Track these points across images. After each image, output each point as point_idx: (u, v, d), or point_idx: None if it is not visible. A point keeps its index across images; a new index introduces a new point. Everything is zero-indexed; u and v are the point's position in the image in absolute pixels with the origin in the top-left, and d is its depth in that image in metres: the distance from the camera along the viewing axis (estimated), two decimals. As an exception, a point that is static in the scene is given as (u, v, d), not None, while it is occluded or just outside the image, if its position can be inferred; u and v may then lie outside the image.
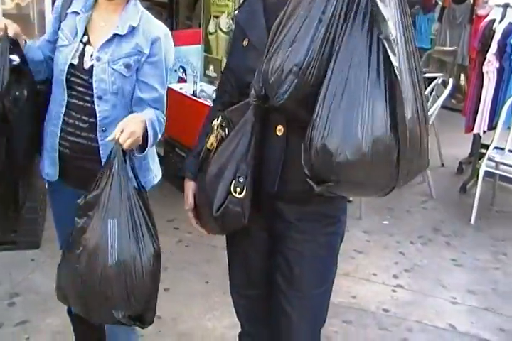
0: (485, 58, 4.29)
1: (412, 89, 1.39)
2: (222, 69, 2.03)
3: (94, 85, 1.95)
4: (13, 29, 1.87)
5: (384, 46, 1.33)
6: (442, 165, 4.91)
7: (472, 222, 3.89)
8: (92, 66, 1.96)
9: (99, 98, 1.96)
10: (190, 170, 1.82)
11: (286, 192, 1.64)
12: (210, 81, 4.14)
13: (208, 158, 1.73)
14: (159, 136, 2.02)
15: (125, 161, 1.82)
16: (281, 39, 1.43)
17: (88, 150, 1.98)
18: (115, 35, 1.97)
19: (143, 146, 1.92)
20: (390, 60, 1.33)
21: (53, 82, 2.03)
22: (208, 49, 4.18)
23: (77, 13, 2.01)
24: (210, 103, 3.56)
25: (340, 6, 1.38)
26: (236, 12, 1.90)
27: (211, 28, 4.14)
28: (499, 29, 4.30)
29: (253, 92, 1.49)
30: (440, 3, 6.27)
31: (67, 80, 1.98)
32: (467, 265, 3.36)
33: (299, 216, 1.67)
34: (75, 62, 1.97)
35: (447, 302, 2.96)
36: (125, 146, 1.79)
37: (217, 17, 4.07)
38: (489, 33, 4.36)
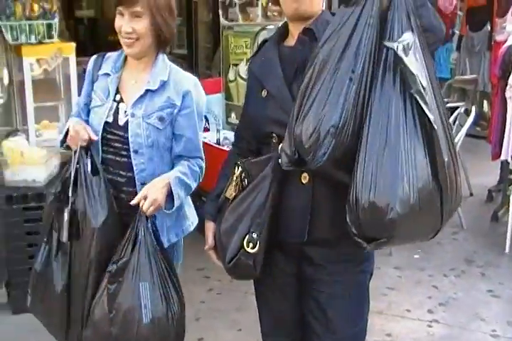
0: (507, 84, 4.30)
1: (444, 133, 1.43)
2: (239, 119, 2.10)
3: (130, 140, 2.02)
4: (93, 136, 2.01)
5: (416, 99, 1.36)
6: (471, 194, 4.87)
7: (507, 250, 3.85)
8: (126, 122, 2.04)
9: (135, 152, 2.02)
10: (210, 212, 1.89)
11: (314, 239, 1.66)
12: (233, 128, 4.21)
13: (225, 206, 1.78)
14: (194, 185, 2.11)
15: (149, 226, 1.93)
16: (311, 101, 1.44)
17: (128, 203, 1.99)
18: (147, 90, 2.05)
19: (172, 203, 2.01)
20: (423, 111, 1.37)
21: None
22: (228, 97, 4.30)
23: (107, 74, 2.11)
24: (234, 150, 3.65)
25: (368, 63, 1.40)
26: (250, 61, 1.94)
27: (231, 76, 4.26)
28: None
29: (285, 157, 1.51)
30: (457, 32, 6.29)
31: (103, 138, 2.06)
32: (505, 296, 3.31)
33: (328, 258, 1.69)
34: (110, 120, 2.05)
35: (487, 335, 2.91)
36: (148, 214, 1.92)
37: (236, 65, 4.19)
38: (509, 58, 4.36)
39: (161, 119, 2.04)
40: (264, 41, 1.88)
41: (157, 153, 2.06)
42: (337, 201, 1.54)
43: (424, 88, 1.36)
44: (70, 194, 1.96)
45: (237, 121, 4.10)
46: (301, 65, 1.66)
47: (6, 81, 3.58)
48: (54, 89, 3.99)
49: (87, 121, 2.12)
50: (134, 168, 2.03)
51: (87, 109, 2.14)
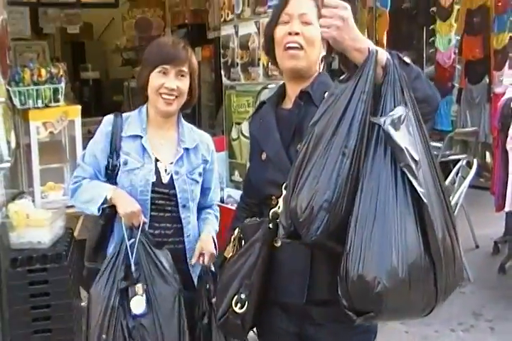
0: (507, 136, 4.34)
1: (441, 208, 1.42)
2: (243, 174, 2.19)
3: (179, 196, 2.15)
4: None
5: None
6: (476, 246, 4.83)
7: (516, 303, 3.78)
8: (169, 180, 2.15)
9: (184, 206, 2.17)
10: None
11: (313, 300, 1.67)
12: (237, 186, 4.28)
13: (223, 265, 1.84)
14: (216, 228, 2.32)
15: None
16: (306, 175, 1.46)
17: (176, 252, 2.13)
18: (185, 149, 2.20)
19: None
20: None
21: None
22: (232, 155, 4.38)
23: (138, 136, 2.17)
24: (237, 208, 3.68)
25: (361, 138, 1.42)
26: (249, 121, 1.99)
27: (234, 134, 4.34)
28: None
29: (282, 229, 1.52)
30: (457, 85, 6.39)
31: (150, 197, 2.14)
32: (516, 350, 3.24)
33: (329, 318, 1.68)
34: (153, 179, 2.14)
35: None
36: (208, 266, 2.12)
37: (239, 123, 4.30)
38: (508, 111, 4.44)
39: (200, 174, 2.22)
40: (263, 103, 1.92)
41: (195, 206, 2.23)
42: (335, 263, 1.52)
43: (416, 161, 1.37)
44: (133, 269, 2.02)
45: (241, 179, 4.20)
46: (298, 128, 1.72)
47: (13, 144, 3.65)
48: (59, 150, 4.06)
49: (108, 182, 2.15)
50: (183, 221, 2.17)
51: (108, 171, 2.17)
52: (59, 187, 3.82)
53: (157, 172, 2.14)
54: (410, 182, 1.37)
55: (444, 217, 1.42)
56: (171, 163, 2.17)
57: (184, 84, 2.12)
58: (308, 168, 1.46)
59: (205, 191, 2.29)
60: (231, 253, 1.82)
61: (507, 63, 6.05)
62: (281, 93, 1.86)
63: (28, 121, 3.76)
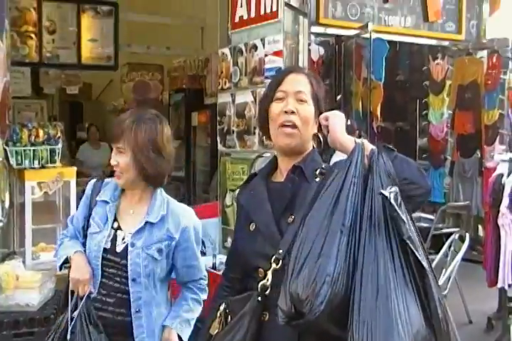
0: (498, 211, 4.37)
1: (435, 281, 1.49)
2: (229, 248, 2.14)
3: (129, 268, 2.11)
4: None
5: (404, 246, 1.46)
6: (470, 321, 4.73)
7: (510, 382, 3.68)
8: (124, 249, 2.13)
9: (134, 280, 2.11)
10: None
11: None
12: (229, 253, 4.23)
13: None
14: (199, 311, 2.31)
15: None
16: (305, 255, 1.50)
17: (114, 323, 2.12)
18: (147, 222, 2.15)
19: None
20: (411, 259, 1.45)
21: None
22: (225, 221, 4.37)
23: (106, 202, 2.21)
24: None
25: (355, 217, 1.50)
26: (238, 191, 2.01)
27: (228, 201, 4.34)
28: (508, 183, 4.43)
29: (281, 313, 1.52)
30: (449, 157, 6.49)
31: (101, 263, 2.14)
32: None
33: None
34: (108, 246, 2.14)
35: None
36: None
37: (233, 190, 4.30)
38: (499, 187, 4.48)
39: (159, 251, 2.14)
40: (254, 174, 1.95)
41: (151, 283, 2.14)
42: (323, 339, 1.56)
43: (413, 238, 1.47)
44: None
45: (233, 246, 4.17)
46: (290, 202, 1.76)
47: (7, 204, 3.64)
48: (53, 211, 4.06)
49: (83, 244, 2.20)
50: (131, 296, 2.12)
51: (84, 232, 2.22)
52: (51, 248, 3.78)
53: (114, 240, 2.15)
54: (408, 257, 1.46)
55: (437, 290, 1.49)
56: (130, 234, 2.16)
57: (122, 160, 2.13)
58: (307, 248, 1.51)
59: (184, 269, 2.25)
60: (217, 330, 1.81)
61: (497, 139, 6.17)
62: (272, 166, 1.89)
63: (23, 180, 3.79)
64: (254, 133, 4.12)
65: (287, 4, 4.03)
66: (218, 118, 4.59)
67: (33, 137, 3.91)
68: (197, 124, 6.60)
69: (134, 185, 2.20)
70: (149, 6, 7.54)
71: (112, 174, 2.25)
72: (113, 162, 2.16)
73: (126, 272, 2.13)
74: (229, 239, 4.27)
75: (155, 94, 7.71)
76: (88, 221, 2.23)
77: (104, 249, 2.14)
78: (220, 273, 3.78)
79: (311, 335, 1.60)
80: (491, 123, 6.23)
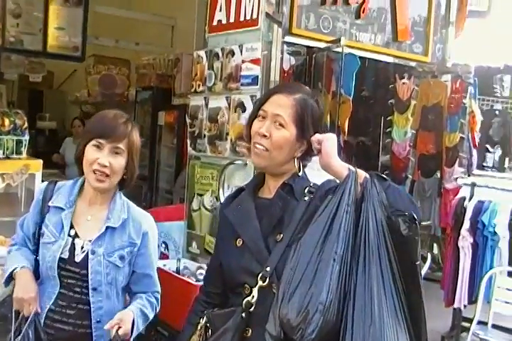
0: (459, 234, 4.46)
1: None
2: (209, 262, 2.09)
3: (90, 277, 2.00)
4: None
5: (394, 274, 1.49)
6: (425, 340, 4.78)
7: None
8: (83, 259, 2.01)
9: (94, 289, 2.01)
10: None
11: None
12: (193, 257, 4.19)
13: None
14: (152, 316, 2.14)
15: None
16: (297, 281, 1.50)
17: (76, 336, 2.01)
18: (108, 227, 2.04)
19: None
20: (399, 286, 1.49)
21: (42, 276, 2.05)
22: (191, 225, 4.29)
23: (61, 208, 2.05)
24: (193, 281, 3.59)
25: (347, 245, 1.51)
26: (222, 205, 1.97)
27: (195, 205, 4.28)
28: (470, 206, 4.54)
29: (270, 338, 1.52)
30: (410, 176, 6.58)
31: (58, 274, 2.01)
32: None
33: None
34: (65, 256, 2.01)
35: None
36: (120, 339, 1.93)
37: (201, 195, 4.25)
38: (461, 210, 4.59)
39: (121, 258, 2.05)
40: (241, 189, 1.92)
41: (113, 291, 2.07)
42: None
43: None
44: None
45: (198, 251, 4.11)
46: (279, 220, 1.76)
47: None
48: (14, 203, 3.92)
49: (35, 251, 2.06)
50: (92, 305, 2.02)
51: (35, 240, 2.07)
52: (9, 242, 3.64)
53: (72, 249, 2.03)
54: (397, 288, 1.49)
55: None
56: (90, 241, 2.04)
57: (118, 162, 2.01)
58: (299, 274, 1.52)
59: (138, 276, 2.14)
60: None
61: (457, 161, 6.30)
62: (259, 181, 1.88)
63: (-15, 170, 3.63)
64: (226, 139, 4.07)
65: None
66: (189, 120, 4.51)
67: (-2, 126, 3.77)
68: (163, 124, 6.50)
69: (110, 189, 2.08)
70: (121, -1, 7.43)
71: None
72: (105, 162, 1.99)
73: (87, 282, 2.02)
74: (194, 244, 4.22)
75: (121, 90, 7.58)
76: (40, 228, 2.08)
77: (62, 259, 2.02)
78: (184, 278, 3.77)
79: None
80: (452, 145, 6.36)
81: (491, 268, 4.35)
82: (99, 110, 7.64)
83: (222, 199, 3.90)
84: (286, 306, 1.48)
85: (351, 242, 1.51)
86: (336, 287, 1.46)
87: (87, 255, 2.02)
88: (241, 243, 1.78)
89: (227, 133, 4.05)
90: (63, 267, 2.02)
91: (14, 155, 3.76)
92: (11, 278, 2.05)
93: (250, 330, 1.69)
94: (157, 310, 2.18)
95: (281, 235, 1.71)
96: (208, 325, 1.80)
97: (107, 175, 2.00)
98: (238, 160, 3.91)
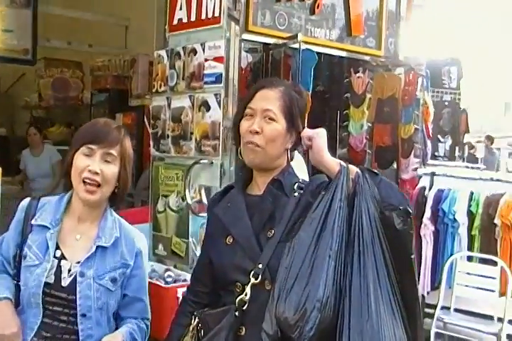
0: (421, 222, 4.56)
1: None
2: (196, 261, 2.06)
3: (78, 302, 1.82)
4: None
5: (391, 269, 1.51)
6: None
7: None
8: (71, 282, 1.83)
9: (83, 315, 1.83)
10: None
11: None
12: (160, 260, 4.15)
13: None
14: None
15: None
16: (293, 279, 1.50)
17: None
18: (98, 247, 1.87)
19: None
20: (406, 279, 1.53)
21: (23, 303, 1.86)
22: (156, 227, 4.26)
23: (46, 227, 1.87)
24: (162, 283, 3.55)
25: (342, 241, 1.53)
26: (210, 203, 1.96)
27: (160, 206, 4.24)
28: (430, 195, 4.66)
29: (267, 337, 1.51)
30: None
31: (41, 300, 1.83)
32: None
33: None
34: (51, 280, 1.83)
35: None
36: None
37: (166, 196, 4.21)
38: (422, 199, 4.69)
39: (113, 280, 1.88)
40: (229, 187, 1.91)
41: (104, 317, 1.89)
42: None
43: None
44: None
45: (165, 253, 4.08)
46: (270, 216, 1.76)
47: None
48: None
49: (15, 276, 1.87)
50: (80, 334, 1.83)
51: (15, 263, 1.89)
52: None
53: (58, 272, 1.84)
54: (392, 283, 1.52)
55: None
56: (78, 263, 1.86)
57: (110, 169, 1.85)
58: (295, 272, 1.52)
59: (130, 301, 1.95)
60: None
61: (412, 152, 6.43)
62: (247, 178, 1.87)
63: None
64: (191, 139, 4.05)
65: (224, 10, 4.01)
66: (152, 121, 4.47)
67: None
68: (121, 126, 6.41)
69: (100, 203, 1.92)
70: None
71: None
72: (95, 169, 1.83)
73: (75, 308, 1.83)
74: (160, 246, 4.18)
75: (75, 93, 7.45)
76: (22, 249, 1.88)
77: (47, 284, 1.83)
78: (153, 280, 3.74)
79: None
80: (407, 136, 6.49)
81: (451, 254, 4.48)
82: (52, 115, 7.50)
83: (188, 200, 3.89)
84: (282, 304, 1.49)
85: (345, 238, 1.53)
86: (331, 283, 1.48)
87: (75, 278, 1.84)
88: (231, 240, 1.77)
89: (192, 133, 4.04)
90: (48, 292, 1.83)
91: (-27, 165, 3.64)
92: None
93: (244, 328, 1.69)
94: (146, 339, 2.03)
95: (273, 231, 1.71)
96: (200, 325, 1.78)
97: (98, 185, 1.84)
98: (204, 160, 3.89)
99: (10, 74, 9.19)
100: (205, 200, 3.86)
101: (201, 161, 3.91)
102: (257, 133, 1.76)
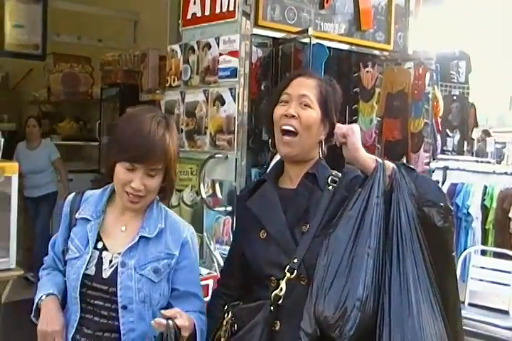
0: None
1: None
2: (227, 254, 2.06)
3: (119, 294, 1.75)
4: None
5: (427, 266, 1.49)
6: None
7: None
8: (112, 274, 1.77)
9: (124, 308, 1.76)
10: None
11: None
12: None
13: None
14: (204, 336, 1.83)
15: None
16: (331, 278, 1.50)
17: None
18: (141, 237, 1.81)
19: None
20: (433, 277, 1.49)
21: (67, 300, 1.83)
22: (171, 221, 4.24)
23: (87, 219, 1.86)
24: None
25: (379, 238, 1.51)
26: (241, 197, 1.95)
27: (174, 201, 4.24)
28: (443, 190, 4.63)
29: (305, 337, 1.51)
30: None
31: (82, 294, 1.79)
32: None
33: None
34: (91, 272, 1.79)
35: None
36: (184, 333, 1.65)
37: (180, 190, 4.21)
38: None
39: (156, 271, 1.79)
40: (262, 180, 1.90)
41: (149, 312, 1.78)
42: None
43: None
44: None
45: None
46: (304, 210, 1.74)
47: None
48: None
49: (65, 271, 1.84)
50: (121, 327, 1.75)
51: (64, 257, 1.87)
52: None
53: (99, 263, 1.79)
54: (431, 281, 1.50)
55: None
56: (119, 254, 1.80)
57: (154, 182, 1.79)
58: (333, 271, 1.51)
59: (182, 295, 1.84)
60: (223, 339, 1.77)
61: (422, 146, 6.42)
62: (278, 171, 1.86)
63: (-42, 175, 3.53)
64: (205, 133, 4.06)
65: (235, 5, 4.01)
66: (165, 116, 4.47)
67: (-28, 129, 3.66)
68: (132, 121, 6.40)
69: (142, 208, 1.86)
70: (81, -6, 7.28)
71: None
72: (139, 186, 1.76)
73: (116, 302, 1.76)
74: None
75: (85, 88, 7.46)
76: (67, 244, 1.86)
77: (88, 276, 1.78)
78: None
79: None
80: (417, 131, 6.47)
81: (465, 248, 4.47)
82: (61, 110, 7.43)
83: (202, 194, 3.89)
84: (321, 303, 1.48)
85: (383, 235, 1.52)
86: (371, 282, 1.46)
87: (116, 269, 1.77)
88: (265, 235, 1.75)
89: (206, 127, 4.04)
90: (89, 285, 1.78)
91: (-12, 159, 3.66)
92: (38, 310, 1.83)
93: (279, 323, 1.68)
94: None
95: (308, 226, 1.70)
96: (234, 319, 1.76)
97: (141, 197, 1.80)
98: (219, 154, 3.89)
99: (18, 70, 9.20)
100: (219, 194, 3.87)
101: (216, 155, 3.91)
102: (293, 117, 1.74)
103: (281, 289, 1.66)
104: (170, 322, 1.65)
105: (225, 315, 1.79)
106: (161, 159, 1.77)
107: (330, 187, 1.73)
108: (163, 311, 1.69)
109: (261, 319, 1.67)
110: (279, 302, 1.67)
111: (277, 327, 1.68)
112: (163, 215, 1.88)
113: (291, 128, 1.75)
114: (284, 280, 1.66)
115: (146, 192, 1.79)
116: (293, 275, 1.66)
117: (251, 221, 1.82)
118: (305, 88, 1.77)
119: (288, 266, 1.67)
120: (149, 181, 1.78)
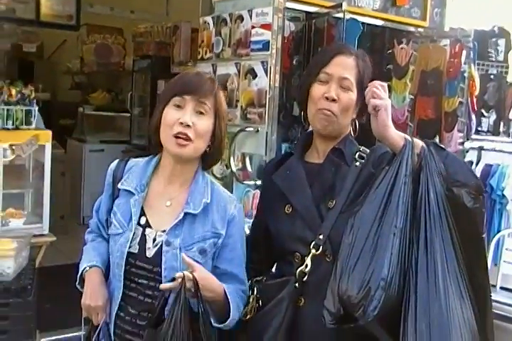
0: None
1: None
2: (250, 227, 2.03)
3: (164, 274, 1.68)
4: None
5: (455, 248, 1.46)
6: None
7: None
8: (157, 253, 1.71)
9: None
10: None
11: None
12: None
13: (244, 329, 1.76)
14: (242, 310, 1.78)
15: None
16: (356, 257, 1.47)
17: None
18: (186, 214, 1.72)
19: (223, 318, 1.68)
20: (461, 259, 1.46)
21: (110, 272, 1.78)
22: (200, 194, 4.26)
23: (130, 192, 1.77)
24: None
25: (406, 218, 1.48)
26: (267, 170, 1.94)
27: (204, 174, 4.24)
28: (477, 170, 4.57)
29: (328, 315, 1.50)
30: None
31: (126, 271, 1.73)
32: None
33: None
34: (135, 250, 1.72)
35: None
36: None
37: (209, 164, 4.20)
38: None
39: (202, 252, 1.72)
40: (287, 154, 1.89)
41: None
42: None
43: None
44: None
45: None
46: (331, 186, 1.72)
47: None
48: (22, 175, 3.88)
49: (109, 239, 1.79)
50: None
51: (108, 226, 1.82)
52: (19, 213, 3.64)
53: (142, 241, 1.72)
54: (459, 262, 1.46)
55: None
56: (163, 232, 1.72)
57: (203, 123, 1.68)
58: (358, 250, 1.49)
59: (223, 274, 1.75)
60: (249, 316, 1.77)
61: (456, 126, 6.32)
62: (306, 144, 1.84)
63: (-5, 141, 3.58)
64: (236, 106, 4.03)
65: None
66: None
67: (6, 96, 3.70)
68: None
69: (191, 163, 1.75)
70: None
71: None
72: (186, 121, 1.65)
73: (161, 282, 1.68)
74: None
75: (117, 59, 7.49)
76: (110, 215, 1.80)
77: (131, 254, 1.71)
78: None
79: (349, 330, 1.57)
80: (451, 110, 6.36)
81: (498, 231, 4.39)
82: (93, 80, 7.58)
83: (233, 167, 3.89)
84: (345, 282, 1.46)
85: (410, 215, 1.48)
86: (396, 262, 1.44)
87: (160, 248, 1.70)
88: (291, 210, 1.74)
89: (237, 100, 4.00)
90: (133, 263, 1.71)
91: (24, 126, 3.70)
92: (83, 280, 1.80)
93: (303, 299, 1.68)
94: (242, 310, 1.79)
95: (334, 202, 1.68)
96: (259, 295, 1.77)
97: (190, 141, 1.68)
98: (249, 127, 3.88)
99: (53, 41, 9.25)
100: (249, 168, 3.86)
101: (247, 129, 3.89)
102: (334, 100, 1.71)
103: (307, 266, 1.66)
104: (186, 272, 1.61)
105: (250, 292, 1.80)
106: (210, 95, 1.71)
107: (357, 163, 1.71)
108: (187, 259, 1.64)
109: (286, 295, 1.67)
110: (304, 278, 1.67)
111: (302, 303, 1.69)
112: (210, 189, 1.79)
113: (331, 113, 1.73)
114: (310, 256, 1.66)
115: (195, 134, 1.69)
116: (318, 252, 1.65)
117: (276, 195, 1.81)
118: (346, 70, 1.76)
119: (313, 242, 1.66)
120: (198, 120, 1.70)
